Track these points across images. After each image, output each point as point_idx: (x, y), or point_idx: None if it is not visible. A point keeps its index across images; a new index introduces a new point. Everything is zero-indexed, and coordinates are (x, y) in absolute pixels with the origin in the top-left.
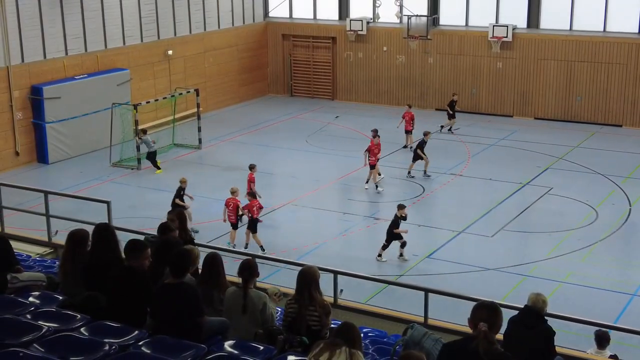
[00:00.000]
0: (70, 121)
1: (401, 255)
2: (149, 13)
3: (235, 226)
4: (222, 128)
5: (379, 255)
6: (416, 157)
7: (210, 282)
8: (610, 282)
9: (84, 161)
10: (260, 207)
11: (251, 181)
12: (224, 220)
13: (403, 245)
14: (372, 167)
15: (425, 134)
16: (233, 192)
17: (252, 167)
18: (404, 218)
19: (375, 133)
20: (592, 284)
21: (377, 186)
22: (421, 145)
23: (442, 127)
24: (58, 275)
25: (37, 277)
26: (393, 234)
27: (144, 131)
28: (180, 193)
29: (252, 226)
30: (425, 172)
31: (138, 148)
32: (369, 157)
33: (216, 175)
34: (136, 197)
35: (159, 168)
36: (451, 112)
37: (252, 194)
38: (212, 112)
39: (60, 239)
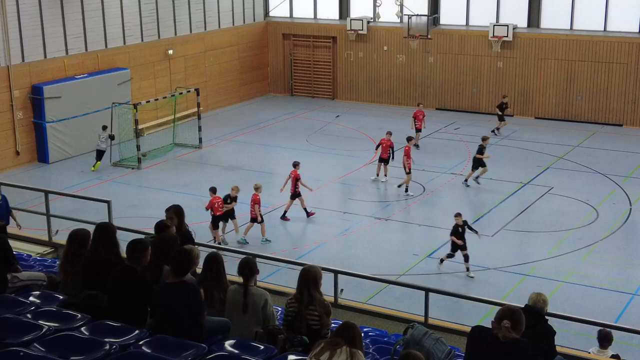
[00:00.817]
0: (71, 120)
1: (467, 269)
2: (150, 12)
3: (254, 220)
4: (223, 127)
5: (440, 260)
6: (476, 165)
7: (210, 282)
8: (611, 282)
9: (85, 161)
10: (221, 205)
11: (297, 178)
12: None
13: (466, 258)
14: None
15: (484, 139)
16: (256, 188)
17: (295, 165)
18: (462, 227)
19: (390, 135)
20: (592, 284)
21: (382, 180)
22: (480, 151)
23: (494, 130)
24: (58, 274)
25: (37, 277)
26: (454, 244)
27: (104, 127)
28: (227, 200)
29: (214, 221)
30: (477, 178)
31: (138, 147)
32: (407, 161)
33: (217, 175)
34: (136, 196)
35: (94, 165)
36: (500, 114)
37: (212, 189)
38: (212, 111)
39: (61, 239)
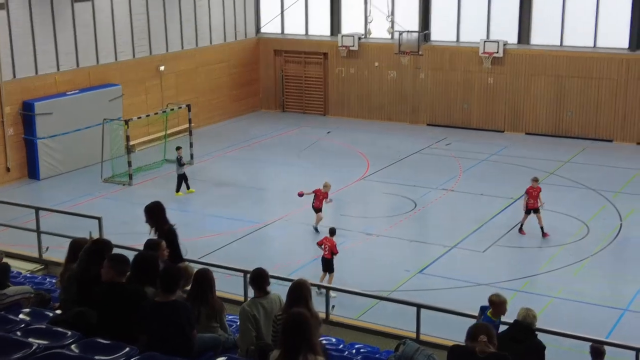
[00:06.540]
0: (62, 137)
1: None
2: (141, 29)
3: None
4: (214, 143)
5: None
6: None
7: (196, 299)
8: (602, 297)
9: (76, 177)
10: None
11: (536, 192)
12: None
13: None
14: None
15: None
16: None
17: (537, 180)
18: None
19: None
20: (583, 299)
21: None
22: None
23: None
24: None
25: (24, 290)
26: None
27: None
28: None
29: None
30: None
31: (129, 164)
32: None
33: (208, 191)
34: (128, 212)
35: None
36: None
37: (332, 231)
38: (204, 127)
39: (51, 255)
